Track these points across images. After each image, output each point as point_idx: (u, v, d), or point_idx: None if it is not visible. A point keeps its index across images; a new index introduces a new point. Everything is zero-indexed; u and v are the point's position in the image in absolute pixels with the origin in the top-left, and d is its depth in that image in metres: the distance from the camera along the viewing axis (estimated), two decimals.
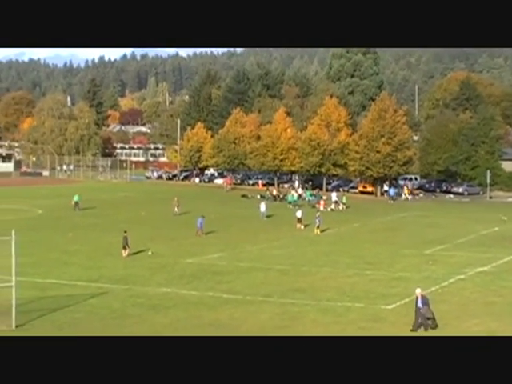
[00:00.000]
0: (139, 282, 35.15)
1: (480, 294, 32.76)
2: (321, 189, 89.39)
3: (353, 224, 59.59)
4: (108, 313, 28.84)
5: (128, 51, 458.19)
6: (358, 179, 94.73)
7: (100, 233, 52.82)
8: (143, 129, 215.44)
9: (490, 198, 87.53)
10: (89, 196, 78.57)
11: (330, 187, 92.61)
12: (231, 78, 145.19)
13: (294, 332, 25.16)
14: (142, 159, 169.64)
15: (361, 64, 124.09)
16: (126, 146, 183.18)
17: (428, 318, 26.12)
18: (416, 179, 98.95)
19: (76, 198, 67.69)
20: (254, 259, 42.11)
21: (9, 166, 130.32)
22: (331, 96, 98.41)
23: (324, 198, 74.60)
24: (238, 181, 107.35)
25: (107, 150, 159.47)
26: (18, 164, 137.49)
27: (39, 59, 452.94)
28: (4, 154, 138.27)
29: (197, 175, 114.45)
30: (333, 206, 71.56)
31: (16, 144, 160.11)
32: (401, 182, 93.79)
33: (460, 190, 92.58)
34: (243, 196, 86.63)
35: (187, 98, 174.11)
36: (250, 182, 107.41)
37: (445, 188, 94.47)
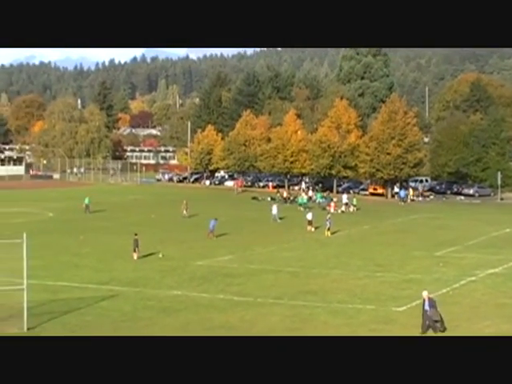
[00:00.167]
0: (150, 285, 35.17)
1: (491, 296, 32.62)
2: (331, 191, 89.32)
3: (363, 226, 59.47)
4: (119, 315, 28.85)
5: (138, 54, 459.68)
6: (369, 181, 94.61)
7: (110, 235, 52.89)
8: (153, 131, 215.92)
9: (501, 199, 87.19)
10: (99, 199, 78.74)
11: (340, 189, 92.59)
12: (241, 80, 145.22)
13: (304, 334, 25.09)
14: (152, 162, 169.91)
15: (371, 66, 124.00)
16: (137, 149, 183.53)
17: (436, 321, 25.95)
18: (427, 181, 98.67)
19: (86, 201, 67.84)
20: (265, 261, 42.07)
21: (20, 169, 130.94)
22: (341, 98, 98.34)
23: (334, 200, 74.51)
24: (249, 183, 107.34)
25: (117, 153, 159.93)
26: (28, 167, 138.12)
27: (50, 62, 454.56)
28: (15, 157, 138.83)
29: (207, 177, 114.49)
30: (343, 208, 71.50)
31: (27, 147, 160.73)
32: (411, 184, 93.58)
33: (471, 191, 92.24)
34: (253, 198, 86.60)
35: (197, 100, 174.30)
36: (261, 184, 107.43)
37: (455, 190, 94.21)
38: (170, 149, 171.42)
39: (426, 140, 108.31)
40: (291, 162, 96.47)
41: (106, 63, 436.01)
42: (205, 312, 29.44)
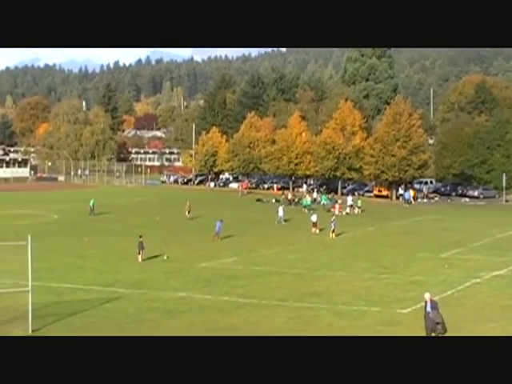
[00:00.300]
0: (154, 287, 35.15)
1: (496, 298, 32.53)
2: (336, 193, 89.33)
3: (368, 228, 59.40)
4: (123, 317, 28.82)
5: (143, 56, 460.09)
6: (373, 183, 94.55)
7: (115, 237, 52.90)
8: (158, 133, 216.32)
9: (506, 201, 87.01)
10: (104, 201, 78.81)
11: (345, 191, 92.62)
12: (246, 82, 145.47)
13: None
14: (157, 164, 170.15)
15: (375, 68, 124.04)
16: (141, 151, 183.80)
17: (437, 323, 25.84)
18: (431, 183, 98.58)
19: (91, 203, 67.90)
20: (269, 263, 42.02)
21: (25, 171, 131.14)
22: (346, 100, 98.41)
23: (339, 201, 74.47)
24: (253, 185, 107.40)
25: (122, 155, 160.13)
26: (33, 169, 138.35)
27: (54, 64, 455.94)
28: (20, 159, 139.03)
29: (212, 179, 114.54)
30: (348, 210, 71.44)
31: (32, 149, 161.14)
32: (416, 186, 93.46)
33: (476, 193, 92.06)
34: (258, 200, 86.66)
35: (202, 102, 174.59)
36: (265, 186, 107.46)
37: (460, 191, 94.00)
38: (175, 151, 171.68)
39: (431, 142, 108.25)
40: (296, 164, 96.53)
41: (111, 65, 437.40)
42: (209, 314, 29.40)
